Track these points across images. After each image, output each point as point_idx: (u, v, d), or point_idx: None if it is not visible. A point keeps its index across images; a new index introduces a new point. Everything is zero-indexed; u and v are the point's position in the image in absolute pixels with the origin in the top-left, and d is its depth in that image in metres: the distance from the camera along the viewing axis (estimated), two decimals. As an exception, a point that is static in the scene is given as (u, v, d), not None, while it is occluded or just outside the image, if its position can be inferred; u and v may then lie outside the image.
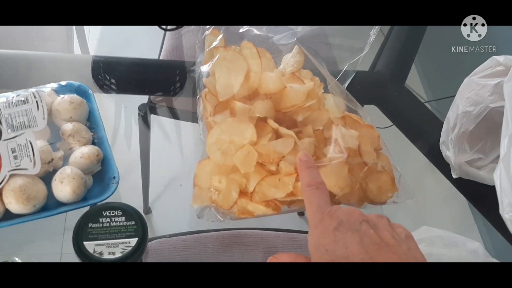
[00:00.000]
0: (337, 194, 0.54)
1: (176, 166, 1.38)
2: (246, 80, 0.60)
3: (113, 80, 0.75)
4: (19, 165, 0.53)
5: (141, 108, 1.02)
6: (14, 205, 0.52)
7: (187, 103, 0.93)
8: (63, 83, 0.62)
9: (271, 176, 0.54)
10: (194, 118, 0.92)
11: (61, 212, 0.54)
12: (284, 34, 0.67)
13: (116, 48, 1.54)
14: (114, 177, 0.56)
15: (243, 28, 0.68)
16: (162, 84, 0.81)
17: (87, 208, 0.51)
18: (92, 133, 0.60)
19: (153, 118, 1.04)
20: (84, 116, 0.60)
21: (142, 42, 1.35)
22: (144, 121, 1.06)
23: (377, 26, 0.69)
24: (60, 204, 0.54)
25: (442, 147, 0.67)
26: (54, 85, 0.62)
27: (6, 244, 0.59)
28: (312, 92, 0.59)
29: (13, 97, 0.58)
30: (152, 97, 1.00)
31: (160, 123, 1.38)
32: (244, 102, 0.58)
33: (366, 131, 0.58)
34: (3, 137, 0.55)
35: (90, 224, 0.50)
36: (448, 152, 0.65)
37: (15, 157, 0.54)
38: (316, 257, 0.39)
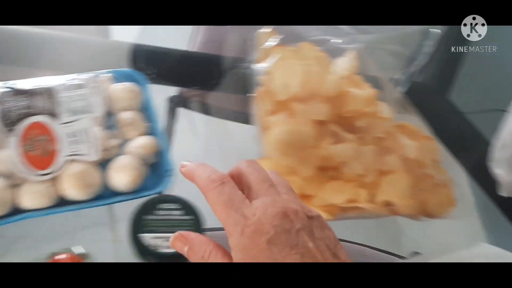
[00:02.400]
0: (397, 205, 0.53)
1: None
2: (305, 81, 0.59)
3: (149, 71, 0.73)
4: (78, 151, 0.52)
5: (173, 99, 1.00)
6: (71, 191, 0.50)
7: (222, 99, 0.92)
8: (118, 69, 0.61)
9: (332, 181, 0.53)
10: (227, 115, 0.91)
11: (118, 202, 0.52)
12: (342, 38, 0.66)
13: (141, 35, 1.52)
14: (169, 170, 0.55)
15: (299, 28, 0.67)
16: (199, 78, 0.80)
17: (142, 199, 0.50)
18: (148, 123, 0.58)
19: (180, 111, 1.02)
20: (140, 105, 0.59)
21: (168, 31, 1.33)
22: (172, 114, 1.04)
23: (434, 33, 0.68)
24: (115, 193, 0.53)
25: (493, 164, 0.66)
26: (110, 71, 0.60)
27: (59, 232, 0.57)
28: (372, 98, 0.59)
29: (70, 80, 0.56)
30: (184, 90, 0.99)
31: (189, 117, 1.35)
32: (302, 103, 0.58)
33: (425, 142, 0.58)
34: (60, 120, 0.53)
35: (146, 216, 0.49)
36: (500, 170, 0.64)
37: (73, 142, 0.52)
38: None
